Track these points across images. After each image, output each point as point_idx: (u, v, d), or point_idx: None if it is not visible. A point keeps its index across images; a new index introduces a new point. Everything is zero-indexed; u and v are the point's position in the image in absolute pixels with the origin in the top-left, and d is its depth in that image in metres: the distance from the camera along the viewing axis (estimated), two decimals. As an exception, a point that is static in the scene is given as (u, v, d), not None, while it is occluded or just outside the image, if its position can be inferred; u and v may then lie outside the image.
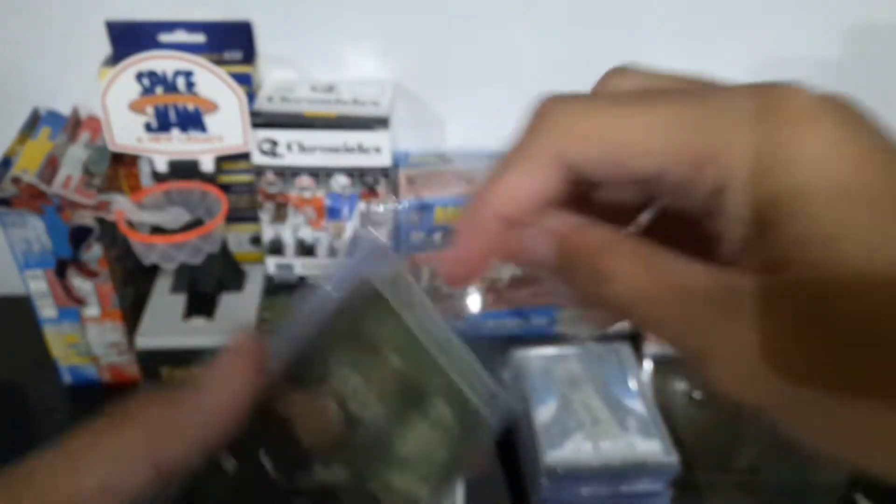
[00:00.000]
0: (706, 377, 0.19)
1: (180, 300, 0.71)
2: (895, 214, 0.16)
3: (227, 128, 0.65)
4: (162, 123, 0.65)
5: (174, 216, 0.65)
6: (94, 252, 0.65)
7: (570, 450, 0.60)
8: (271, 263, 0.73)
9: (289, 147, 0.66)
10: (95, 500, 0.20)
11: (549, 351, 0.66)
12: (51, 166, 0.64)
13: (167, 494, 0.22)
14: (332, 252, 0.73)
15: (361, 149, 0.66)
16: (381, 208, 0.70)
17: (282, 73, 0.72)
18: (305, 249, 0.73)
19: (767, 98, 0.18)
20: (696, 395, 0.70)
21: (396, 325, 0.25)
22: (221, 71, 0.63)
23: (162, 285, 0.73)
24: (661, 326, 0.19)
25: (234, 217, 0.71)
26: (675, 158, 0.19)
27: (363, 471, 0.26)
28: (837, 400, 0.17)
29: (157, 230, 0.65)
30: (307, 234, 0.72)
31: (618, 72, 0.23)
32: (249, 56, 0.69)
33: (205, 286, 0.71)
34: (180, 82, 0.64)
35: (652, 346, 0.72)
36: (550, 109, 0.21)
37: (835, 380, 0.17)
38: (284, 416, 0.24)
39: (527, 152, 0.21)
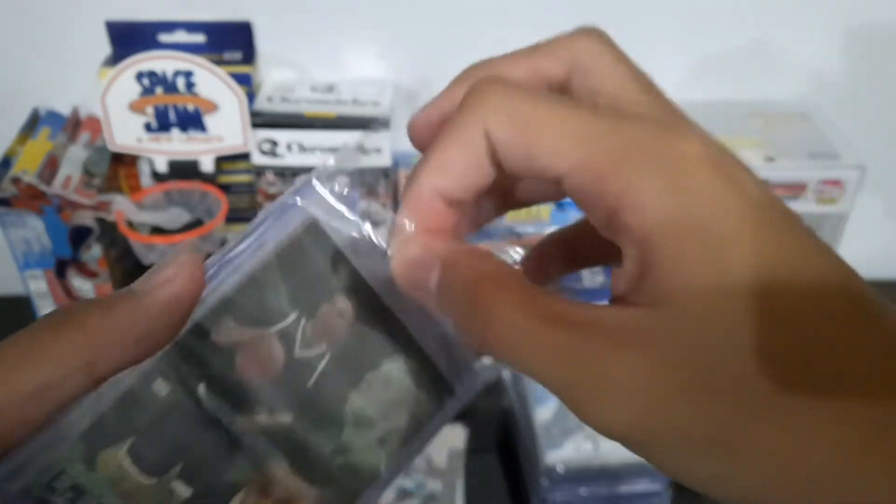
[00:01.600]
0: (577, 412, 0.19)
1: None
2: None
3: (227, 128, 0.66)
4: (162, 123, 0.65)
5: (174, 216, 0.65)
6: (94, 252, 0.65)
7: (570, 450, 0.60)
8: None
9: (289, 147, 0.66)
10: (31, 402, 0.19)
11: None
12: (51, 166, 0.64)
13: (98, 406, 0.21)
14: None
15: (361, 149, 0.66)
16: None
17: (282, 73, 0.72)
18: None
19: (669, 139, 0.19)
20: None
21: (351, 274, 0.24)
22: (221, 71, 0.63)
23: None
24: (537, 363, 0.19)
25: (234, 217, 0.71)
26: (579, 166, 0.19)
27: (312, 424, 0.24)
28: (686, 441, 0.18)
29: (157, 230, 0.65)
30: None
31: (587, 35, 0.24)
32: (249, 56, 0.69)
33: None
34: (180, 82, 0.64)
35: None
36: (486, 88, 0.21)
37: (686, 421, 0.18)
38: (224, 348, 0.23)
39: (459, 125, 0.21)
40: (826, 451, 0.17)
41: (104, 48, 0.67)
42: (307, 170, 0.68)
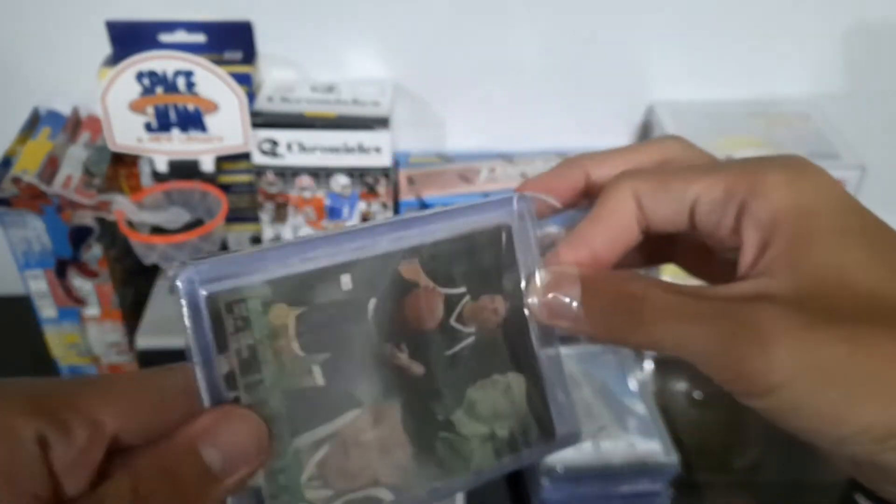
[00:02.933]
0: (736, 371, 0.22)
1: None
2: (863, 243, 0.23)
3: (228, 128, 0.66)
4: (162, 123, 0.65)
5: (174, 216, 0.65)
6: (94, 252, 0.65)
7: (570, 450, 0.60)
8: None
9: (289, 147, 0.66)
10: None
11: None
12: (51, 166, 0.64)
13: (293, 266, 0.24)
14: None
15: (361, 149, 0.66)
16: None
17: (282, 73, 0.72)
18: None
19: (794, 165, 0.25)
20: (697, 395, 0.71)
21: (516, 285, 0.28)
22: (221, 71, 0.63)
23: (162, 285, 0.73)
24: (692, 334, 0.23)
25: (234, 217, 0.71)
26: (712, 186, 0.25)
27: (435, 388, 0.27)
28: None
29: (157, 230, 0.65)
30: (307, 234, 0.72)
31: (666, 140, 0.29)
32: (249, 56, 0.69)
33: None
34: (180, 82, 0.64)
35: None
36: (625, 173, 0.27)
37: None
38: (404, 281, 0.26)
39: (611, 195, 0.27)
40: None
41: (104, 48, 0.67)
42: (307, 170, 0.68)
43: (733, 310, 0.22)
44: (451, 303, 0.27)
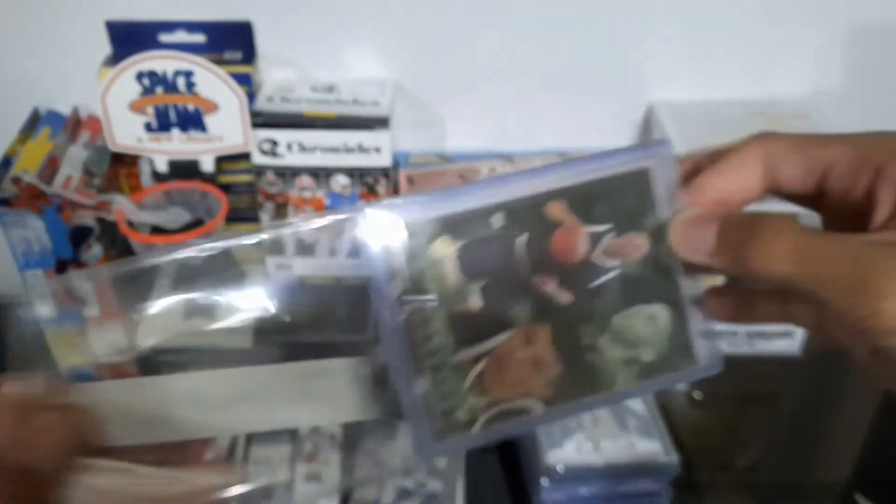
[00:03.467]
0: (859, 302, 0.24)
1: (180, 300, 0.71)
2: None
3: (227, 128, 0.66)
4: (162, 123, 0.65)
5: (174, 216, 0.65)
6: (94, 252, 0.65)
7: (570, 450, 0.60)
8: (271, 263, 0.73)
9: (289, 147, 0.66)
10: None
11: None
12: (51, 166, 0.64)
13: (454, 206, 0.28)
14: (332, 252, 0.73)
15: (361, 149, 0.66)
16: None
17: (282, 73, 0.72)
18: (305, 249, 0.73)
19: None
20: (696, 395, 0.71)
21: (659, 224, 0.30)
22: (221, 71, 0.63)
23: (162, 285, 0.73)
24: (821, 266, 0.25)
25: (234, 217, 0.71)
26: (851, 155, 0.27)
27: (582, 315, 0.30)
28: None
29: (157, 230, 0.65)
30: (307, 234, 0.72)
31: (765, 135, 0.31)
32: (249, 56, 0.69)
33: (205, 286, 0.71)
34: (180, 82, 0.64)
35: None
36: (764, 136, 0.29)
37: None
38: (549, 221, 0.29)
39: (744, 149, 0.29)
40: None
41: (104, 48, 0.67)
42: (307, 170, 0.68)
43: (869, 250, 0.24)
44: (595, 239, 0.29)
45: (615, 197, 0.30)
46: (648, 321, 0.30)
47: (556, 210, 0.29)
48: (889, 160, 0.27)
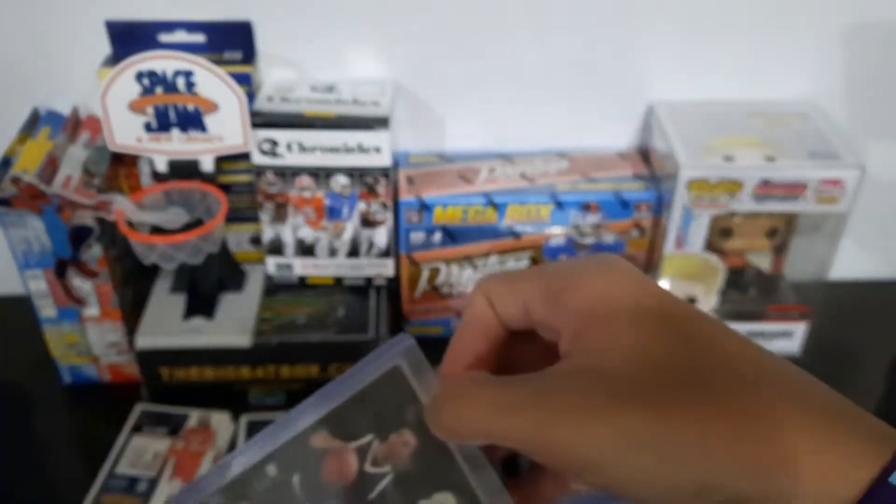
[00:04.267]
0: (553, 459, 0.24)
1: (180, 300, 0.71)
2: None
3: (227, 128, 0.66)
4: (162, 123, 0.65)
5: (174, 216, 0.65)
6: (94, 252, 0.65)
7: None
8: (271, 263, 0.73)
9: (289, 147, 0.66)
10: None
11: None
12: (51, 166, 0.64)
13: (227, 475, 0.29)
14: (332, 252, 0.73)
15: (361, 149, 0.66)
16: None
17: (282, 73, 0.72)
18: (305, 249, 0.73)
19: (604, 261, 0.28)
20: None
21: (420, 415, 0.30)
22: (221, 71, 0.63)
23: (162, 285, 0.73)
24: (508, 438, 0.26)
25: (234, 217, 0.71)
26: (542, 300, 0.28)
27: None
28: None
29: (157, 230, 0.65)
30: (307, 234, 0.72)
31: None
32: (249, 56, 0.69)
33: (205, 286, 0.71)
34: (180, 82, 0.64)
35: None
36: (483, 286, 0.30)
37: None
38: (317, 452, 0.30)
39: (471, 302, 0.30)
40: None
41: (104, 48, 0.67)
42: (307, 170, 0.68)
43: (546, 392, 0.25)
44: (362, 452, 0.30)
45: (376, 403, 0.30)
46: None
47: (319, 441, 0.30)
48: (565, 286, 0.27)
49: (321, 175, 0.68)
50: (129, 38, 0.67)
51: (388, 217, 0.70)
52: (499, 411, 0.25)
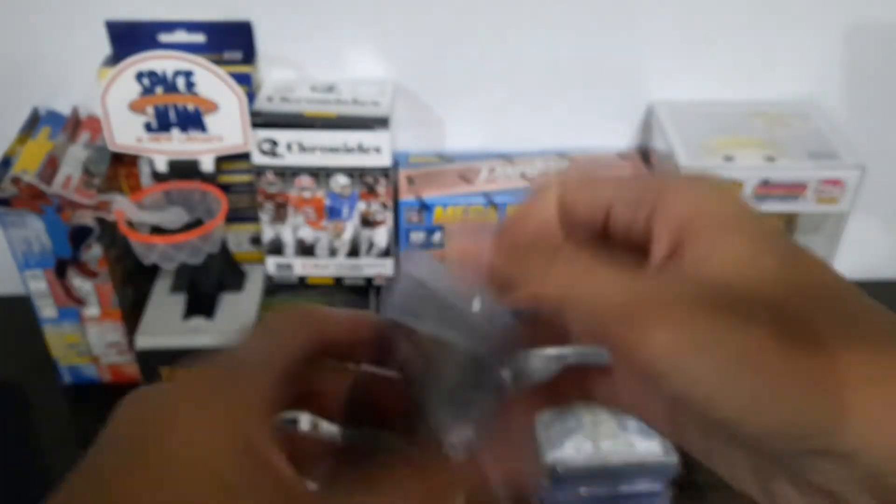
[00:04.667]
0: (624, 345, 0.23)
1: (180, 300, 0.71)
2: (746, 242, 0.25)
3: (227, 128, 0.66)
4: (162, 123, 0.65)
5: (174, 216, 0.65)
6: (94, 252, 0.65)
7: (570, 450, 0.60)
8: (271, 263, 0.73)
9: (289, 147, 0.66)
10: None
11: (549, 351, 0.66)
12: (51, 166, 0.64)
13: None
14: (332, 252, 0.73)
15: (361, 149, 0.66)
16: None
17: (282, 73, 0.72)
18: (305, 249, 0.73)
19: (697, 176, 0.27)
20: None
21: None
22: (221, 71, 0.63)
23: (162, 285, 0.73)
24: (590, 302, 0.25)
25: (234, 217, 0.71)
26: (632, 206, 0.27)
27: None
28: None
29: (157, 230, 0.65)
30: (307, 234, 0.72)
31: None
32: (249, 56, 0.69)
33: (205, 286, 0.71)
34: (180, 82, 0.64)
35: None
36: (562, 181, 0.29)
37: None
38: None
39: (537, 206, 0.29)
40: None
41: (104, 48, 0.67)
42: (307, 170, 0.68)
43: (639, 286, 0.24)
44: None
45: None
46: None
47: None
48: (663, 194, 0.27)
49: (321, 175, 0.68)
50: (129, 38, 0.67)
51: (388, 217, 0.70)
52: (592, 280, 0.25)
